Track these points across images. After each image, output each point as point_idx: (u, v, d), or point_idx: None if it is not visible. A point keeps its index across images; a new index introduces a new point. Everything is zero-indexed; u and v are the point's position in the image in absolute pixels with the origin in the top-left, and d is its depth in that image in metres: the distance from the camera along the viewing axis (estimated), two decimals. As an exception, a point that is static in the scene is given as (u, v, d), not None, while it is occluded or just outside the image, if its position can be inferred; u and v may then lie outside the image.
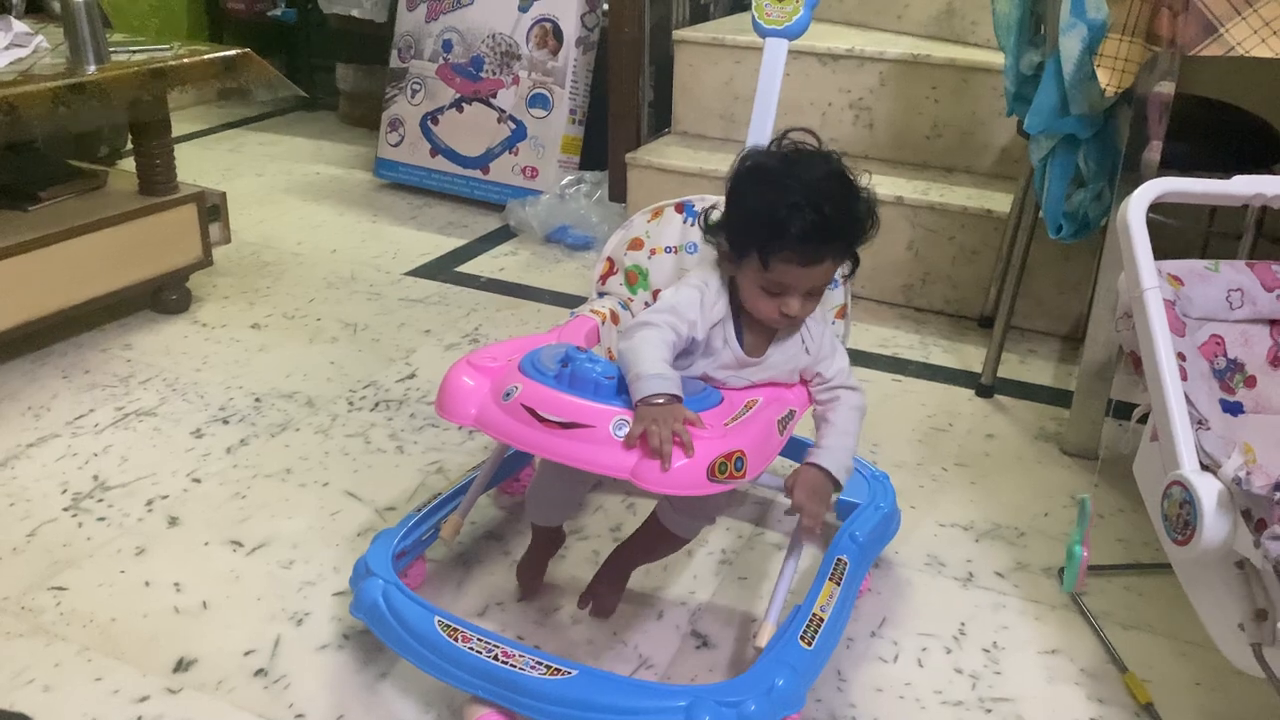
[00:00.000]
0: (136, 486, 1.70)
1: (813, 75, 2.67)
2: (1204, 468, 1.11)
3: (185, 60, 2.11)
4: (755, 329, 1.27)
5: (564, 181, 2.95)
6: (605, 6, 2.94)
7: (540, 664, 1.14)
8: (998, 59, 2.19)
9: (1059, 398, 2.04)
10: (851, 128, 2.69)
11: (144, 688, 1.29)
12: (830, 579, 1.32)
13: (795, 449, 1.63)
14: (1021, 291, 2.10)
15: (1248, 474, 1.05)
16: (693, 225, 1.46)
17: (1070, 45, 1.68)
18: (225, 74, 2.18)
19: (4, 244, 1.96)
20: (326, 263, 2.67)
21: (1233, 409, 1.32)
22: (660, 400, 1.11)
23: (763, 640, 1.23)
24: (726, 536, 1.61)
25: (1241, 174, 1.30)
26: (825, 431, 1.31)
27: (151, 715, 1.25)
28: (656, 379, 1.13)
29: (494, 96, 3.06)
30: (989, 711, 1.29)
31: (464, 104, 3.12)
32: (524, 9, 3.01)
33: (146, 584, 1.47)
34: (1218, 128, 2.00)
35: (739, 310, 1.27)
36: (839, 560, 1.36)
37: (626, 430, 1.11)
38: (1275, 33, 1.48)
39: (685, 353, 1.25)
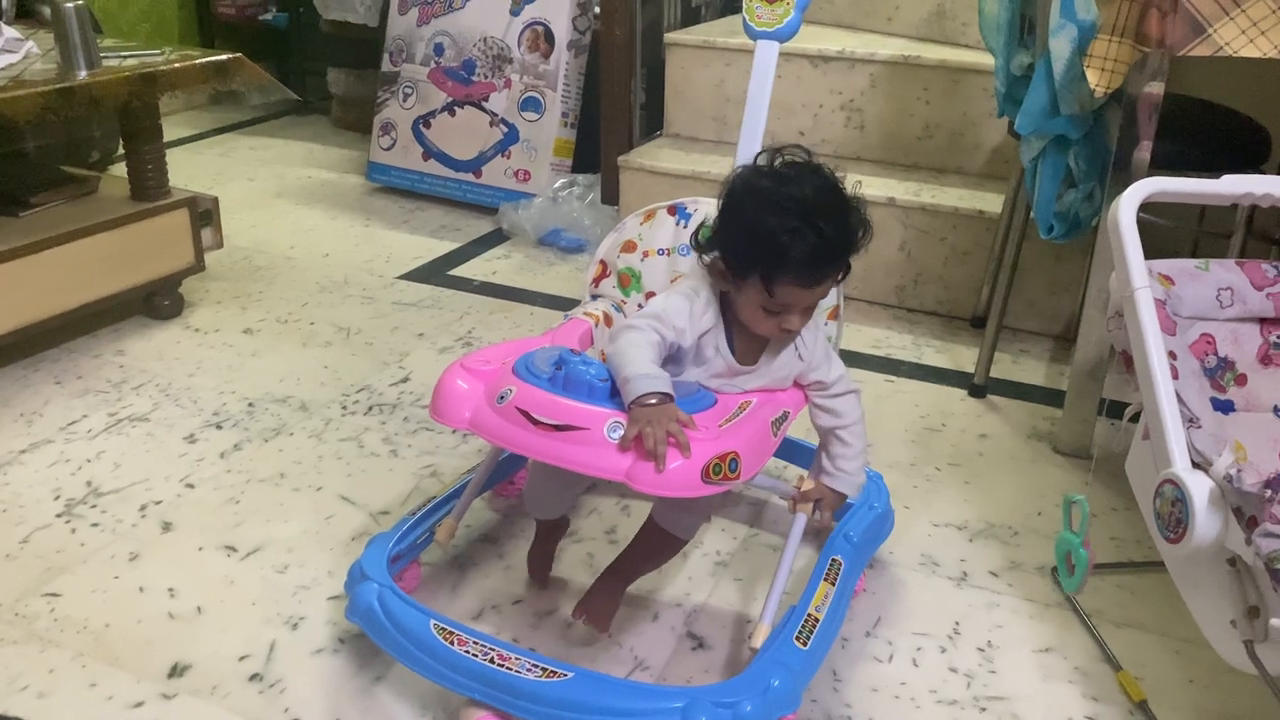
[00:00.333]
0: (130, 492, 1.70)
1: (804, 77, 2.68)
2: (1195, 466, 1.12)
3: (176, 65, 2.11)
4: (747, 338, 1.27)
5: (556, 184, 2.95)
6: (597, 10, 2.94)
7: (536, 666, 1.15)
8: (988, 60, 2.19)
9: (1051, 397, 2.05)
10: (843, 129, 2.70)
11: (138, 693, 1.29)
12: (825, 579, 1.33)
13: (789, 449, 1.64)
14: (1013, 292, 2.11)
15: (1239, 472, 1.06)
16: (685, 227, 1.47)
17: (1060, 46, 1.69)
18: (217, 78, 2.18)
19: (-5, 250, 1.96)
20: (319, 267, 2.67)
21: (1223, 407, 1.33)
22: (654, 400, 1.12)
23: (758, 641, 1.23)
24: (722, 538, 1.61)
25: (1230, 173, 1.31)
26: (840, 453, 1.33)
27: (146, 721, 1.25)
28: (647, 379, 1.13)
29: (486, 100, 3.07)
30: (984, 710, 1.30)
31: (456, 107, 3.12)
32: (515, 12, 3.02)
33: (140, 589, 1.47)
34: (1207, 127, 2.01)
35: (730, 319, 1.27)
36: (834, 561, 1.37)
37: (621, 433, 1.11)
38: (1263, 33, 1.49)
39: (671, 360, 1.25)
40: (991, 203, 2.35)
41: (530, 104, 3.01)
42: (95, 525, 1.61)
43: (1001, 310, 2.07)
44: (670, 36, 2.86)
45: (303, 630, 1.40)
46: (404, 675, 1.30)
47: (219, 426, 1.90)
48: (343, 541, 1.58)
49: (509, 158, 3.05)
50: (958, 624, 1.44)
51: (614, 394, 1.16)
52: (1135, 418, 1.28)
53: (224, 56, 2.20)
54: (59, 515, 1.63)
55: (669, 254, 1.47)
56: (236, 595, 1.47)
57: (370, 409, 1.97)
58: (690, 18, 3.08)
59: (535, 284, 2.60)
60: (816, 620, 1.25)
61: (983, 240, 2.34)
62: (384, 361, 2.16)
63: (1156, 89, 1.61)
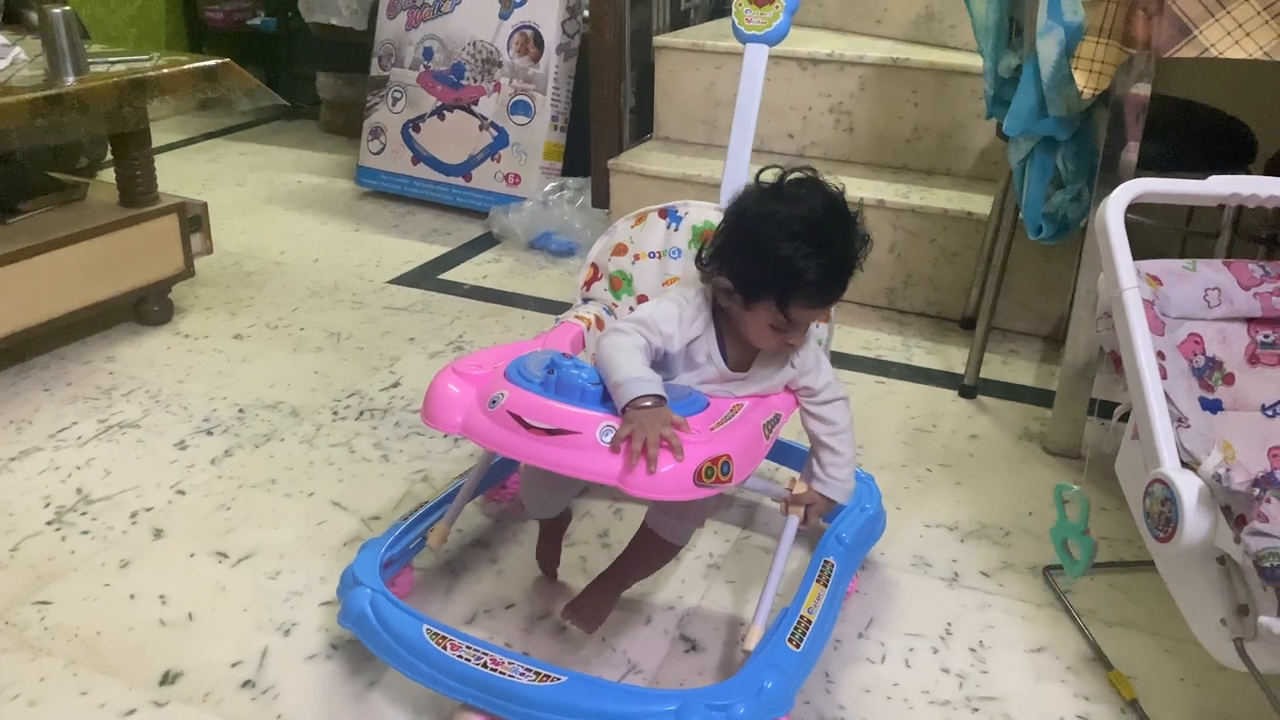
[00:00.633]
0: (120, 499, 1.69)
1: (793, 80, 2.69)
2: (1184, 465, 1.12)
3: (165, 71, 2.10)
4: (740, 345, 1.28)
5: (547, 188, 2.95)
6: (586, 13, 2.94)
7: (529, 671, 1.15)
8: (977, 62, 2.20)
9: (1041, 398, 2.06)
10: (832, 131, 2.70)
11: (130, 701, 1.28)
12: (817, 581, 1.33)
13: (781, 451, 1.64)
14: (1003, 292, 2.12)
15: (1227, 471, 1.06)
16: (676, 230, 1.47)
17: (1047, 48, 1.69)
18: (205, 84, 2.17)
19: (-17, 257, 1.96)
20: (309, 272, 2.66)
21: (1212, 407, 1.33)
22: (648, 403, 1.12)
23: (751, 643, 1.23)
24: (714, 540, 1.61)
25: (1217, 174, 1.31)
26: (830, 461, 1.34)
27: (139, 729, 1.25)
28: (639, 382, 1.14)
29: (475, 104, 3.06)
30: (976, 711, 1.30)
31: (445, 111, 3.11)
32: (505, 16, 3.02)
33: (131, 597, 1.47)
34: (1193, 128, 2.02)
35: (722, 326, 1.27)
36: (826, 562, 1.37)
37: (613, 436, 1.11)
38: (1248, 34, 1.50)
39: (659, 366, 1.25)
40: (980, 204, 2.36)
41: (520, 107, 3.01)
42: (86, 533, 1.60)
43: (991, 311, 2.08)
44: (659, 39, 2.87)
45: (295, 636, 1.40)
46: (397, 681, 1.29)
47: (209, 433, 1.89)
48: (335, 547, 1.58)
49: (499, 161, 3.05)
50: (950, 625, 1.45)
51: (606, 398, 1.16)
52: (1125, 417, 1.28)
53: (212, 62, 2.19)
54: (49, 523, 1.63)
55: (660, 257, 1.47)
56: (228, 602, 1.46)
57: (361, 414, 1.97)
58: (679, 21, 3.09)
59: (526, 288, 2.60)
60: (809, 622, 1.25)
61: (972, 241, 2.35)
62: (375, 366, 2.16)
63: (1143, 90, 1.61)
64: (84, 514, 1.65)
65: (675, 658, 1.37)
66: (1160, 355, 1.22)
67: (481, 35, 3.05)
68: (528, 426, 1.14)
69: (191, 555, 1.56)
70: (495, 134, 3.05)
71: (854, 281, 1.25)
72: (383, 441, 1.87)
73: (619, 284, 1.49)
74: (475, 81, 3.06)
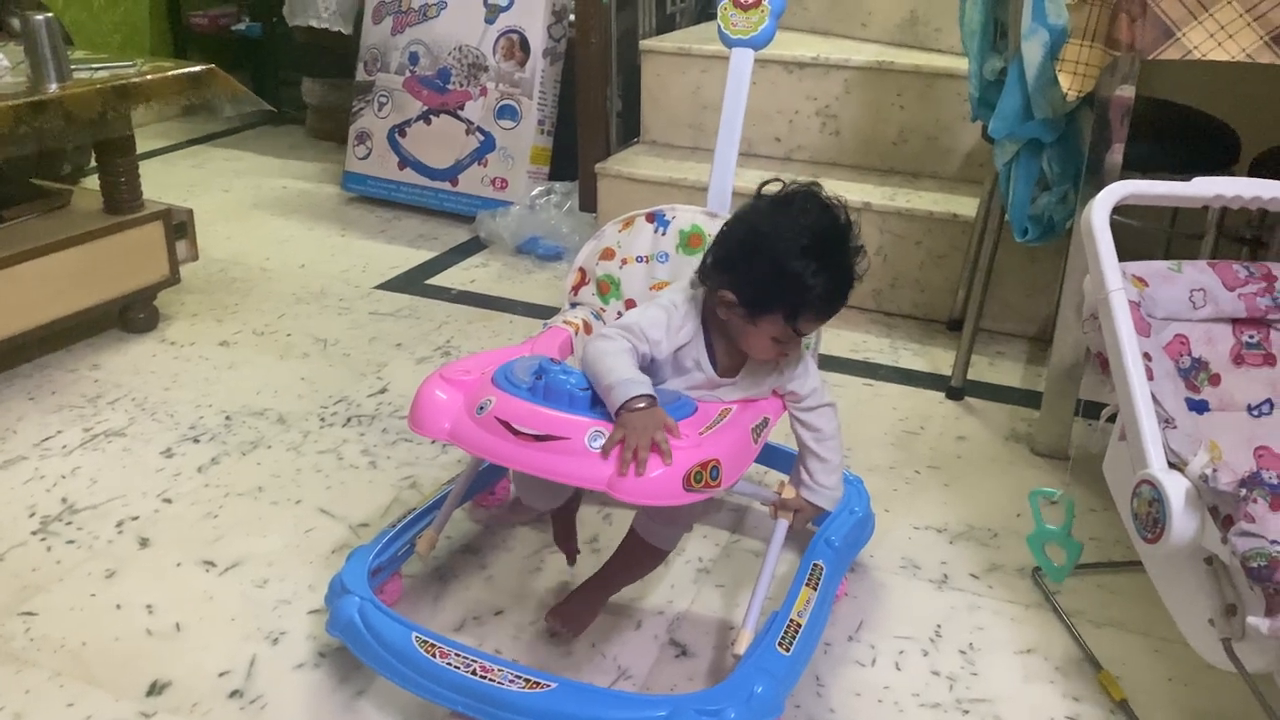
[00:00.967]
0: (106, 508, 1.68)
1: (779, 83, 2.69)
2: (1171, 466, 1.12)
3: (149, 77, 2.09)
4: (729, 351, 1.27)
5: (534, 192, 2.95)
6: (572, 17, 2.94)
7: (519, 678, 1.14)
8: (962, 65, 2.21)
9: (1028, 399, 2.06)
10: (819, 135, 2.71)
11: (117, 712, 1.27)
12: (807, 584, 1.33)
13: (770, 454, 1.64)
14: (989, 294, 2.12)
15: (1214, 471, 1.07)
16: (663, 234, 1.47)
17: (1032, 50, 1.70)
18: (190, 90, 2.17)
19: (-34, 265, 1.94)
20: (295, 278, 2.65)
21: (1198, 407, 1.34)
22: (641, 404, 1.12)
23: (741, 648, 1.23)
24: (704, 544, 1.61)
25: (1201, 175, 1.32)
26: (817, 468, 1.34)
27: (125, 740, 1.24)
28: (631, 384, 1.14)
29: (462, 108, 3.06)
30: (966, 713, 1.30)
31: (432, 116, 3.11)
32: (490, 21, 3.01)
33: (118, 607, 1.46)
34: (1178, 130, 2.03)
35: (711, 333, 1.27)
36: (815, 565, 1.37)
37: (602, 441, 1.11)
38: (1230, 36, 1.51)
39: (645, 371, 1.25)
40: (966, 206, 2.37)
41: (506, 112, 3.01)
42: (71, 542, 1.59)
43: (978, 313, 2.09)
44: (646, 43, 2.87)
45: (283, 645, 1.39)
46: (386, 689, 1.29)
47: (196, 440, 1.88)
48: (322, 555, 1.57)
49: (485, 166, 3.05)
50: (939, 627, 1.45)
51: (594, 403, 1.16)
52: (1112, 418, 1.29)
53: (197, 68, 2.18)
54: (34, 533, 1.61)
55: (648, 261, 1.47)
56: (216, 611, 1.45)
57: (349, 421, 1.96)
58: (665, 25, 3.09)
59: (514, 292, 2.59)
60: (799, 625, 1.25)
61: (958, 243, 2.36)
62: (362, 372, 2.15)
63: (1127, 92, 1.62)
64: (69, 523, 1.64)
65: (665, 663, 1.37)
66: (1146, 356, 1.22)
67: (467, 40, 3.04)
68: (516, 432, 1.13)
69: (178, 564, 1.55)
70: (482, 139, 3.04)
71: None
72: (370, 448, 1.87)
73: (607, 288, 1.49)
74: (461, 86, 3.06)
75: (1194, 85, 2.10)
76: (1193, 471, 1.09)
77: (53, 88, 1.96)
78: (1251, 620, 1.03)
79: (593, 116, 2.87)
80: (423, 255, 2.84)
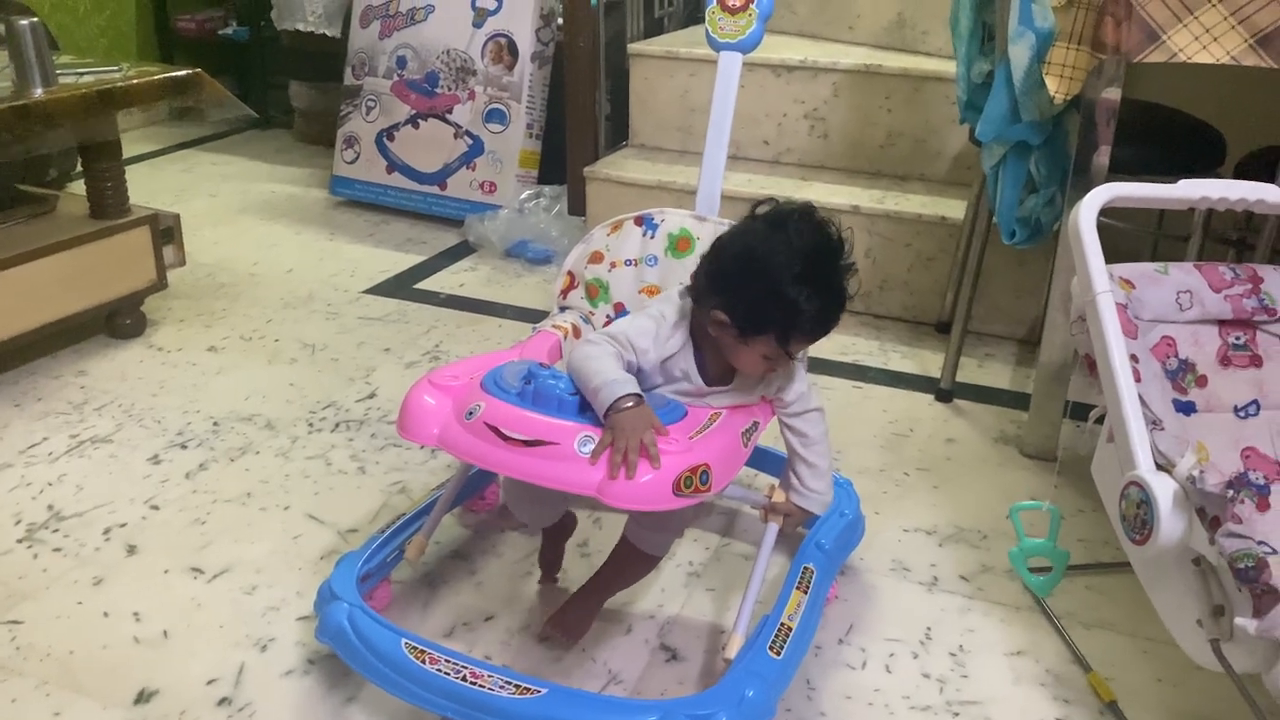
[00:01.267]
0: (93, 515, 1.67)
1: (768, 87, 2.69)
2: (1159, 468, 1.13)
3: (135, 81, 2.08)
4: (718, 362, 1.27)
5: (523, 196, 2.95)
6: (560, 21, 2.94)
7: (509, 684, 1.14)
8: (949, 68, 2.22)
9: (1017, 400, 2.07)
10: (807, 138, 2.71)
11: (105, 721, 1.26)
12: (797, 588, 1.33)
13: (760, 458, 1.64)
14: (977, 296, 2.13)
15: (1201, 473, 1.07)
16: (652, 238, 1.47)
17: (1019, 53, 1.71)
18: (176, 95, 2.16)
19: (-49, 271, 1.93)
20: (283, 283, 2.64)
21: (1185, 409, 1.34)
22: (629, 404, 1.12)
23: (732, 652, 1.23)
24: (694, 548, 1.61)
25: (1187, 177, 1.33)
26: (805, 473, 1.33)
27: (113, 749, 1.23)
28: (618, 384, 1.14)
29: (450, 112, 3.06)
30: (957, 715, 1.30)
31: (420, 120, 3.10)
32: (478, 25, 3.01)
33: (105, 615, 1.45)
34: (1164, 132, 2.04)
35: (700, 344, 1.26)
36: (806, 569, 1.37)
37: (591, 447, 1.10)
38: (1215, 39, 1.51)
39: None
40: (954, 209, 2.38)
41: (495, 116, 3.00)
42: (58, 550, 1.58)
43: (966, 315, 2.09)
44: (634, 47, 2.87)
45: (272, 652, 1.38)
46: (376, 695, 1.28)
47: (184, 446, 1.87)
48: (311, 561, 1.57)
49: (474, 170, 3.04)
50: (929, 629, 1.45)
51: (583, 408, 1.16)
52: (1100, 420, 1.29)
53: (183, 72, 2.17)
54: (20, 540, 1.60)
55: (636, 265, 1.47)
56: (204, 618, 1.44)
57: (337, 426, 1.95)
58: (654, 28, 3.09)
59: (503, 296, 2.59)
60: (790, 629, 1.25)
61: (946, 246, 2.36)
62: (350, 377, 2.15)
63: (1114, 95, 1.63)
64: (56, 531, 1.63)
65: (656, 667, 1.37)
66: (1134, 358, 1.22)
67: (455, 44, 3.04)
68: (505, 438, 1.13)
69: (166, 571, 1.54)
70: (470, 142, 3.04)
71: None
72: (359, 453, 1.86)
73: (595, 292, 1.49)
74: (449, 90, 3.05)
75: (1180, 88, 2.11)
76: (1180, 473, 1.10)
77: (38, 92, 1.95)
78: (1239, 621, 1.03)
79: (581, 120, 2.86)
80: (411, 259, 2.83)
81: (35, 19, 2.00)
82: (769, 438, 1.39)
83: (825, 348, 2.29)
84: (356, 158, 3.22)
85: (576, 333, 1.44)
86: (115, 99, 2.05)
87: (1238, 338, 1.38)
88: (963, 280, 2.13)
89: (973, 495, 1.77)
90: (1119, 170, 1.67)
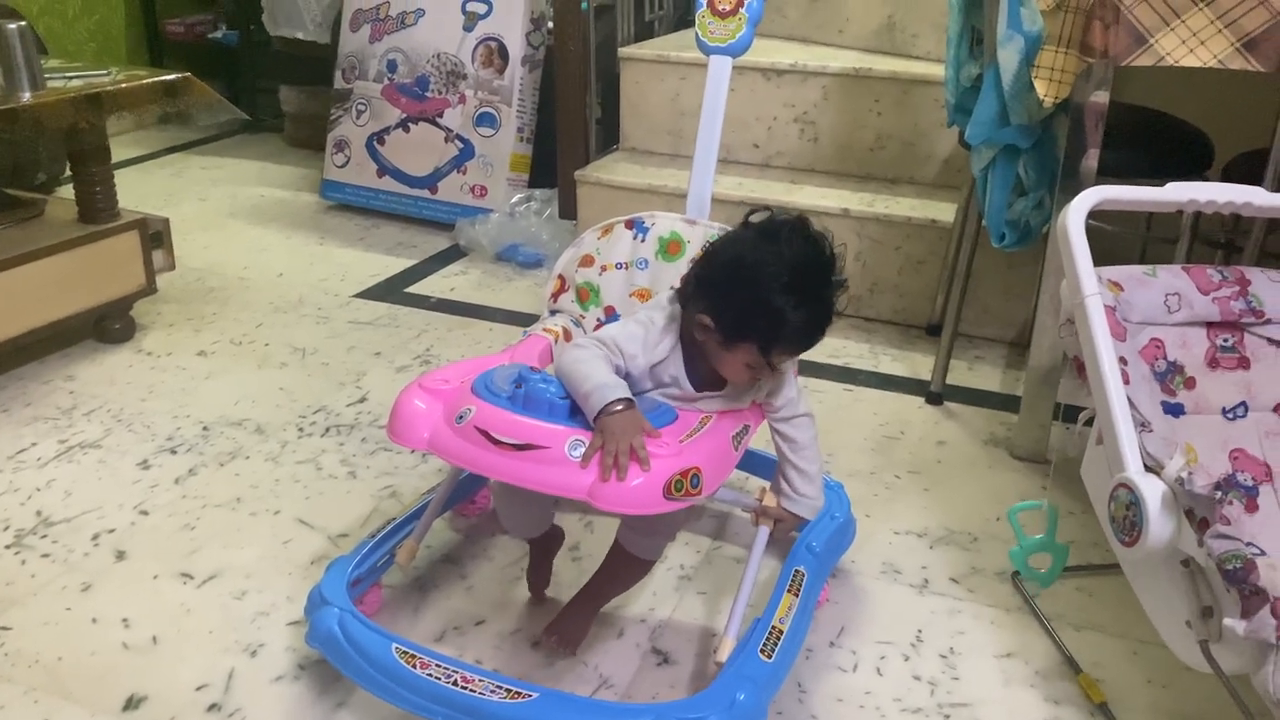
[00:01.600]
0: (82, 521, 1.66)
1: (758, 90, 2.70)
2: (1148, 470, 1.13)
3: (124, 85, 2.08)
4: (708, 367, 1.27)
5: (513, 200, 2.94)
6: (550, 25, 2.94)
7: (500, 688, 1.14)
8: (938, 71, 2.22)
9: (1007, 403, 2.08)
10: (797, 141, 2.72)
11: (93, 728, 1.26)
12: (789, 591, 1.33)
13: (751, 461, 1.64)
14: (967, 299, 2.13)
15: (1190, 474, 1.08)
16: (643, 242, 1.47)
17: (1008, 57, 1.71)
18: (165, 98, 2.15)
19: (-62, 276, 1.92)
20: (273, 287, 2.64)
21: (1174, 410, 1.35)
22: (619, 407, 1.12)
23: (723, 655, 1.23)
24: (685, 552, 1.61)
25: (1175, 180, 1.33)
26: (795, 478, 1.33)
27: (102, 756, 1.22)
28: (608, 388, 1.14)
29: (440, 116, 3.05)
30: (948, 717, 1.30)
31: (410, 124, 3.10)
32: (469, 28, 3.01)
33: (94, 621, 1.44)
34: (1152, 135, 2.05)
35: (690, 349, 1.27)
36: (797, 572, 1.37)
37: (582, 450, 1.10)
38: (1202, 42, 1.52)
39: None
40: (944, 212, 2.38)
41: (485, 119, 3.00)
42: (46, 556, 1.58)
43: (956, 318, 2.10)
44: (624, 51, 2.87)
45: (262, 657, 1.38)
46: (366, 700, 1.28)
47: (173, 451, 1.87)
48: (301, 566, 1.56)
49: (465, 173, 3.04)
50: (920, 632, 1.45)
51: (574, 412, 1.16)
52: (1089, 422, 1.30)
53: (172, 76, 2.17)
54: (8, 546, 1.60)
55: (627, 268, 1.47)
56: (193, 624, 1.44)
57: (327, 430, 1.95)
58: (644, 32, 3.09)
59: (493, 300, 2.59)
60: (781, 632, 1.25)
61: (936, 249, 2.37)
62: (340, 382, 2.14)
63: (1102, 98, 1.64)
64: (44, 536, 1.62)
65: (647, 671, 1.37)
66: (1122, 360, 1.23)
67: (446, 47, 3.04)
68: (496, 442, 1.13)
69: (155, 577, 1.53)
70: (461, 146, 3.04)
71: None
72: (349, 458, 1.85)
73: (586, 296, 1.49)
74: (440, 94, 3.05)
75: (1167, 91, 2.12)
76: (1169, 475, 1.10)
77: (25, 96, 1.95)
78: (1228, 622, 1.03)
79: (572, 124, 2.86)
80: (402, 263, 2.83)
81: (23, 23, 1.99)
82: (760, 441, 1.39)
83: (816, 351, 2.28)
84: (347, 161, 3.21)
85: (567, 336, 1.44)
86: (104, 103, 2.04)
87: (1226, 340, 1.38)
88: (952, 283, 2.13)
89: (963, 498, 1.77)
90: (1107, 173, 1.68)
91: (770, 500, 1.34)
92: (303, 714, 1.28)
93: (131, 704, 1.30)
